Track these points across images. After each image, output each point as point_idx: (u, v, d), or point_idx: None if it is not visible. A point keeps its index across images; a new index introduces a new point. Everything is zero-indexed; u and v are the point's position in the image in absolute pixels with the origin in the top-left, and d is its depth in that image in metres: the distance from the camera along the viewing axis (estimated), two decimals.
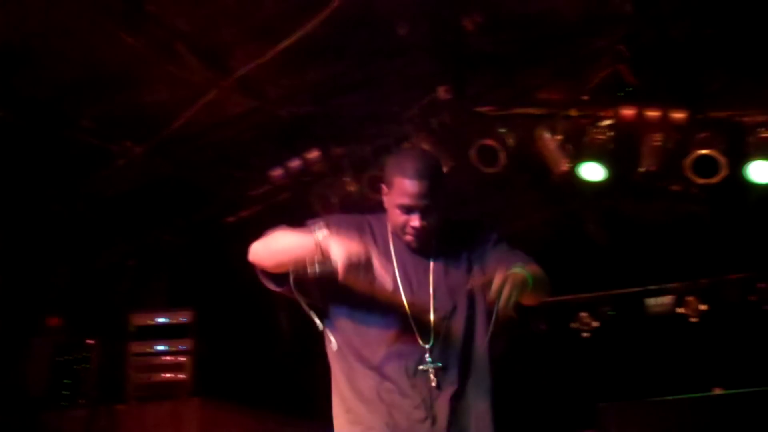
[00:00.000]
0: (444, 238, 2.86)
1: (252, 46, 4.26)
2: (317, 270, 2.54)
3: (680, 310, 6.76)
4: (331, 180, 5.03)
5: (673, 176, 4.64)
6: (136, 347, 5.29)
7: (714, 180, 4.50)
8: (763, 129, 4.38)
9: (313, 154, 4.96)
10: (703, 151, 4.50)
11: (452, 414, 2.68)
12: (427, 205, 2.75)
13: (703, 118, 4.51)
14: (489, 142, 4.70)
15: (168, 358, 5.26)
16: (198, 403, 5.12)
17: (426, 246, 2.83)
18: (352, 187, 4.92)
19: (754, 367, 6.07)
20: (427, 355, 2.71)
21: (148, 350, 5.28)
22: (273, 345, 6.00)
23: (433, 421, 2.67)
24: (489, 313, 2.75)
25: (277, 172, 5.10)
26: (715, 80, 4.41)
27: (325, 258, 2.53)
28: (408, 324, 2.74)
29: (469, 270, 2.85)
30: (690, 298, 6.74)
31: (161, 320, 5.32)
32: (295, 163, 4.99)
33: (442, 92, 4.60)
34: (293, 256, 2.61)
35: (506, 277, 2.55)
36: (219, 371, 5.40)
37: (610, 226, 6.04)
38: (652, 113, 4.44)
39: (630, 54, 4.25)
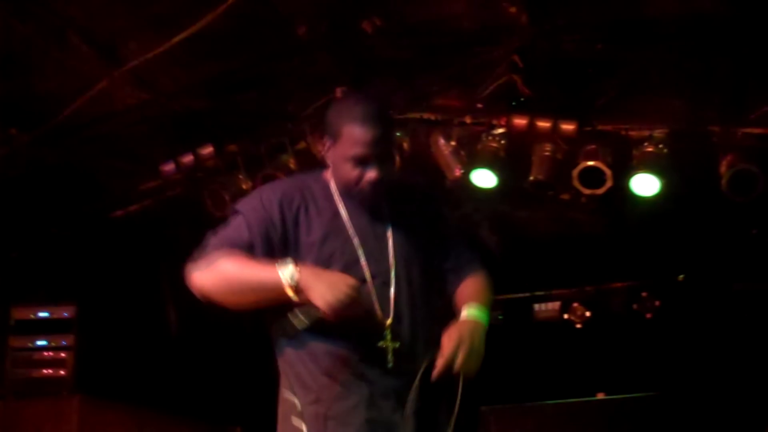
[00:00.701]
0: (393, 197, 2.58)
1: (147, 37, 4.18)
2: (306, 323, 2.39)
3: (566, 317, 6.91)
4: (225, 177, 4.97)
5: (562, 186, 4.74)
6: (16, 342, 5.11)
7: (599, 191, 4.62)
8: (647, 143, 4.52)
9: (207, 150, 4.89)
10: (590, 163, 4.62)
11: (412, 393, 2.43)
12: (384, 152, 2.46)
13: (591, 131, 4.63)
14: None
15: (49, 353, 5.09)
16: (78, 400, 4.98)
17: (379, 206, 2.55)
18: (245, 185, 4.87)
19: (636, 373, 6.25)
20: (387, 332, 2.45)
21: (29, 345, 5.10)
22: (160, 342, 5.89)
23: (397, 404, 2.44)
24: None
25: (168, 167, 5.01)
26: (604, 94, 4.53)
27: (304, 305, 2.35)
28: (370, 299, 2.46)
29: (423, 235, 2.61)
30: (575, 305, 6.89)
31: (43, 315, 5.15)
32: (187, 158, 4.91)
33: (339, 94, 4.60)
34: (261, 299, 2.41)
35: (460, 342, 2.37)
36: (102, 368, 5.27)
37: (502, 232, 6.13)
38: (543, 124, 4.53)
39: (524, 65, 4.33)
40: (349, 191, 2.53)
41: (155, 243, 5.63)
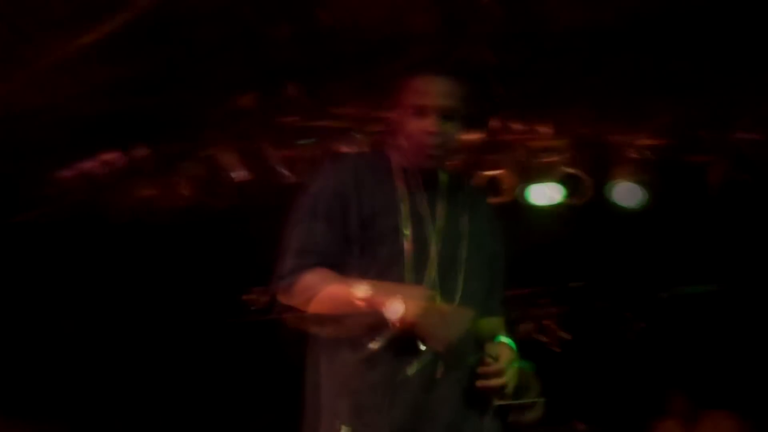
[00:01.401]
0: (458, 186, 2.57)
1: (50, 38, 4.06)
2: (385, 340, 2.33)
3: None
4: (129, 182, 4.87)
5: None
6: None
7: (500, 200, 4.72)
8: (545, 154, 4.65)
9: (111, 155, 4.78)
10: (492, 172, 4.72)
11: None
12: (447, 108, 2.42)
13: (494, 141, 4.72)
14: (291, 152, 4.72)
15: None
16: None
17: (439, 187, 2.51)
18: (150, 191, 4.78)
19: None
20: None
21: None
22: (54, 353, 5.72)
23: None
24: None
25: (70, 173, 4.88)
26: (507, 105, 4.63)
27: (381, 320, 2.28)
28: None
29: (481, 234, 2.55)
30: None
31: None
32: (91, 164, 4.79)
33: (246, 100, 4.57)
34: (348, 327, 2.35)
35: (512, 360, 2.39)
36: None
37: None
38: None
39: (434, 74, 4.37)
40: (410, 153, 2.47)
41: (54, 250, 5.47)
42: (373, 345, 2.34)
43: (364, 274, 2.39)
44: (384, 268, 2.41)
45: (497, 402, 2.39)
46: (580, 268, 6.27)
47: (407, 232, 2.43)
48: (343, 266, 2.44)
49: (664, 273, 5.66)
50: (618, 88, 4.33)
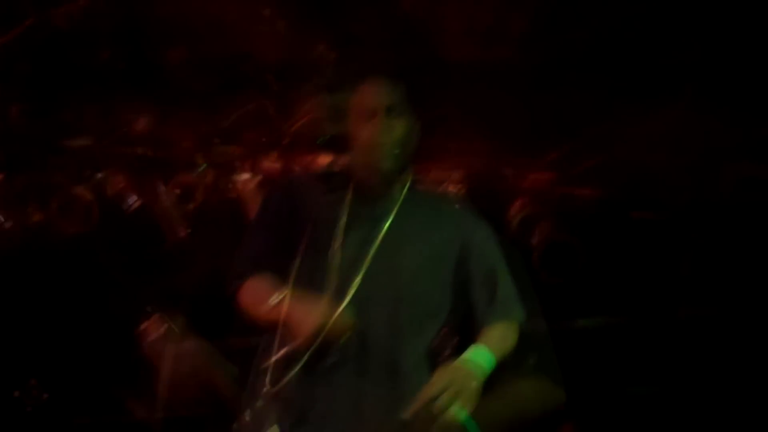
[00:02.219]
0: (412, 199, 2.47)
1: None
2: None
3: None
4: (13, 209, 4.68)
5: None
6: None
7: None
8: (446, 184, 4.67)
9: None
10: None
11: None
12: (392, 104, 2.37)
13: None
14: (188, 177, 4.65)
15: None
16: None
17: (389, 203, 2.43)
18: (36, 217, 4.61)
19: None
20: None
21: None
22: None
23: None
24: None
25: None
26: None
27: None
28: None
29: (428, 252, 2.44)
30: None
31: None
32: None
33: (141, 123, 4.48)
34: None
35: (449, 384, 2.15)
36: None
37: None
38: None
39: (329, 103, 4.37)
40: (363, 160, 2.42)
41: None
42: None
43: (297, 284, 2.38)
44: (313, 280, 2.39)
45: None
46: None
47: (337, 245, 2.40)
48: (284, 275, 2.42)
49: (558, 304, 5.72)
50: (514, 121, 4.38)
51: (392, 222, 2.43)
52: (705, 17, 3.61)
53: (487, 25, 3.91)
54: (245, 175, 4.72)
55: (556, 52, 3.90)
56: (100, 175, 4.63)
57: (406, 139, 2.40)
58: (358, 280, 2.35)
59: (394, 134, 2.38)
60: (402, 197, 2.47)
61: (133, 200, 4.57)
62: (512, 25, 3.86)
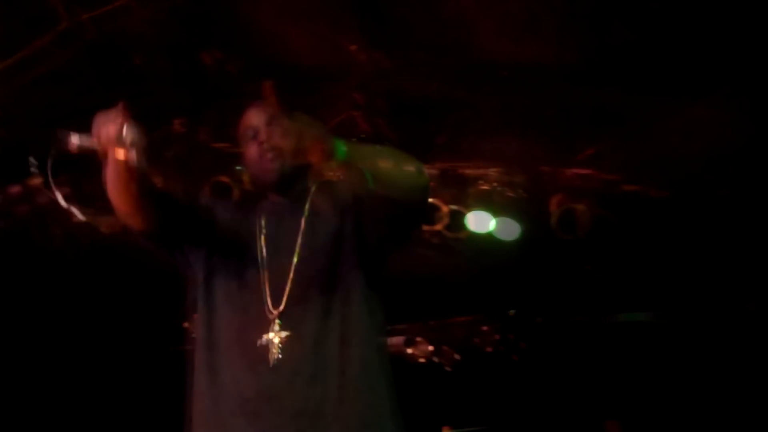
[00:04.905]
0: (318, 196, 2.61)
1: None
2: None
3: (410, 351, 6.97)
4: (56, 210, 4.77)
5: None
6: None
7: (437, 227, 4.70)
8: (482, 181, 4.64)
9: (35, 181, 4.69)
10: (429, 200, 4.69)
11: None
12: (270, 119, 2.52)
13: (429, 169, 4.71)
14: (223, 178, 4.67)
15: None
16: None
17: (299, 204, 2.57)
18: (77, 219, 4.68)
19: (478, 406, 6.36)
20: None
21: None
22: None
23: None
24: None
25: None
26: (442, 132, 4.62)
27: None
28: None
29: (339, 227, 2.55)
30: (419, 339, 6.96)
31: None
32: (15, 189, 4.69)
33: (177, 125, 4.52)
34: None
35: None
36: None
37: None
38: None
39: (363, 102, 4.37)
40: (258, 179, 2.59)
41: None
42: None
43: (229, 300, 2.49)
44: (244, 294, 2.48)
45: None
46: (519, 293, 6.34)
47: (261, 258, 2.52)
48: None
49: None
50: (548, 119, 4.33)
51: (306, 218, 2.56)
52: (740, 11, 3.52)
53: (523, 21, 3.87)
54: None
55: (591, 50, 3.84)
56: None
57: (286, 140, 2.48)
58: (289, 285, 2.46)
59: (275, 139, 2.50)
60: (310, 195, 2.61)
61: None
62: (546, 22, 3.82)
